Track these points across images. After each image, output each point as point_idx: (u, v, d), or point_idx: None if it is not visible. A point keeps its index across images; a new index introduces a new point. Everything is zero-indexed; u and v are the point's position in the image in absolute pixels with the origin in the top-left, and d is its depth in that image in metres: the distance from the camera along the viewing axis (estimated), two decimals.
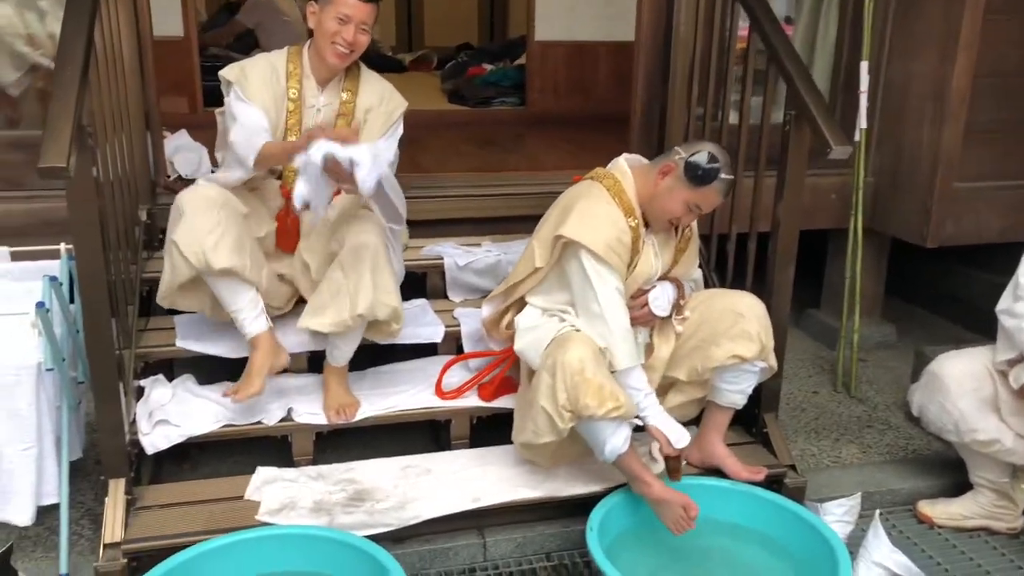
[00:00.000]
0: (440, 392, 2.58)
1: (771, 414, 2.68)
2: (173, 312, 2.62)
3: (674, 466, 2.28)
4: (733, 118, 2.88)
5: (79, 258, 2.08)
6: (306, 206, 2.17)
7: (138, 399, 2.42)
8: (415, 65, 7.57)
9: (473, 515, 2.33)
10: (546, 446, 2.24)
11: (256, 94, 2.36)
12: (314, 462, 2.49)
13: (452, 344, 2.77)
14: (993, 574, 2.40)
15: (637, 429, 2.25)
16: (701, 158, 2.21)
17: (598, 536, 2.10)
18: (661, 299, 2.38)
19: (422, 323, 2.77)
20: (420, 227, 2.93)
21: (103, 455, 2.21)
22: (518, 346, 2.38)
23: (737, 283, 2.79)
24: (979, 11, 3.09)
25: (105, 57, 2.37)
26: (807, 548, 2.19)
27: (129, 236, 2.55)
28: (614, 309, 2.23)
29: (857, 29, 3.26)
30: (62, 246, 2.35)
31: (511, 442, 2.45)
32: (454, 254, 2.96)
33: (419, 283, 2.94)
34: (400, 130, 2.52)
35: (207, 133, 2.59)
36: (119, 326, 2.30)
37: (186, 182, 3.10)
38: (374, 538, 2.10)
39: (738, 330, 2.35)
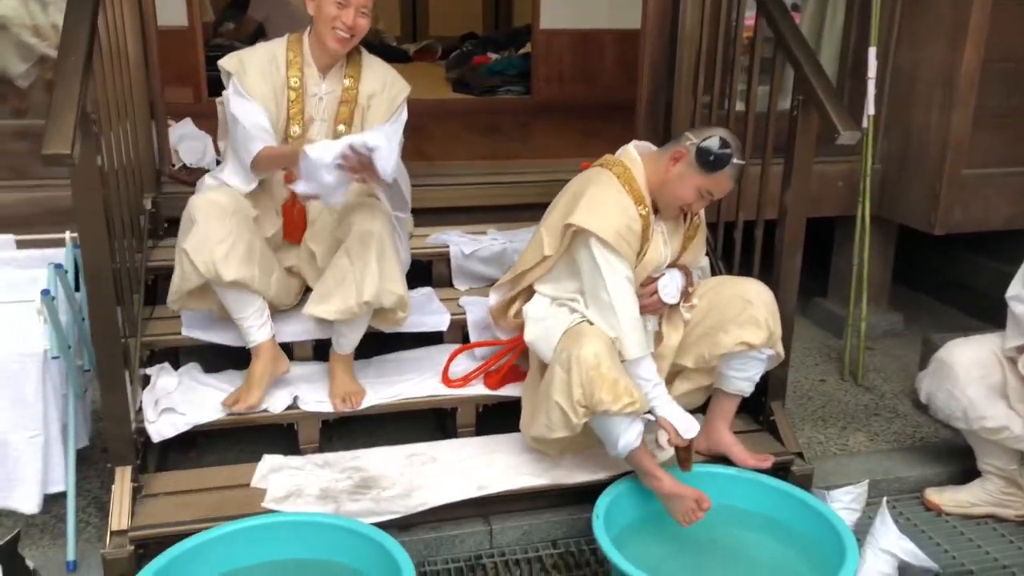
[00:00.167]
0: (447, 380, 2.58)
1: (778, 402, 2.67)
2: None
3: (684, 456, 2.26)
4: (740, 106, 2.86)
5: (84, 246, 2.07)
6: (315, 196, 2.16)
7: (144, 387, 2.43)
8: (420, 55, 7.55)
9: (479, 503, 2.33)
10: (558, 440, 2.24)
11: (255, 87, 2.35)
12: (320, 450, 2.49)
13: (458, 332, 2.77)
14: (1001, 561, 2.40)
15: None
16: (713, 143, 2.20)
17: (604, 524, 2.09)
18: (670, 286, 2.37)
19: (428, 311, 2.76)
20: (425, 215, 2.93)
21: (109, 443, 2.22)
22: (528, 337, 2.36)
23: (744, 271, 2.79)
24: None
25: (109, 45, 2.36)
26: (814, 535, 2.18)
27: (134, 224, 2.55)
28: (624, 298, 2.21)
29: (865, 15, 3.24)
30: (67, 234, 2.35)
31: (517, 430, 2.45)
32: (459, 242, 2.95)
33: (424, 271, 2.94)
34: (404, 115, 2.51)
35: (212, 122, 2.59)
36: (124, 314, 2.30)
37: (191, 171, 3.10)
38: (380, 525, 2.10)
39: (746, 317, 2.34)
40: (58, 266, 2.22)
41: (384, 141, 2.06)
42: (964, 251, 4.02)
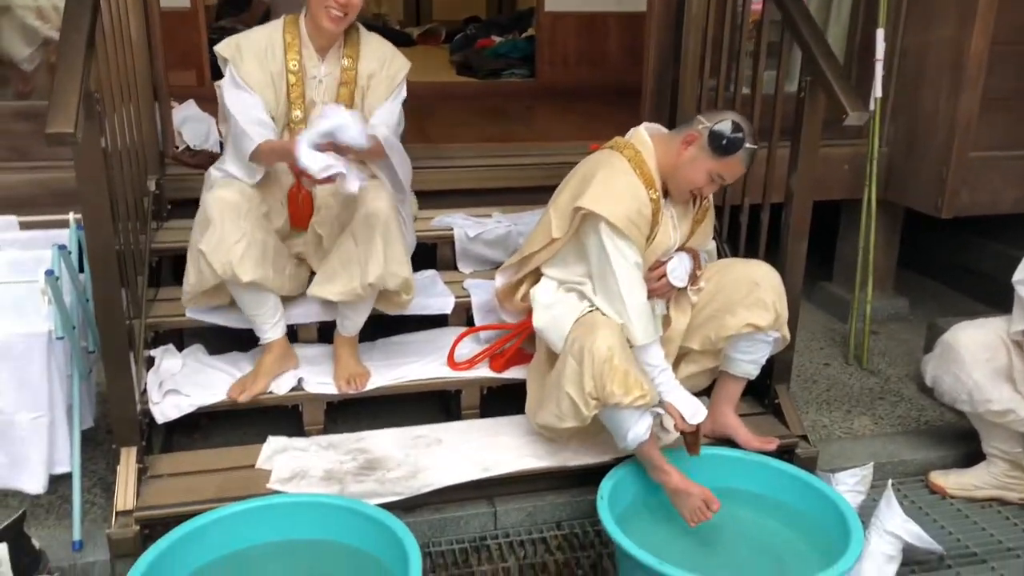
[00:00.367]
0: (452, 363, 2.57)
1: (783, 385, 2.67)
2: (182, 282, 2.61)
3: (692, 440, 2.25)
4: (746, 90, 2.84)
5: (88, 228, 2.07)
6: (329, 179, 2.14)
7: (148, 369, 2.42)
8: (423, 39, 7.53)
9: (483, 484, 2.33)
10: (567, 429, 2.23)
11: (251, 75, 2.33)
12: (325, 432, 2.49)
13: (462, 315, 2.77)
14: (1006, 544, 2.40)
15: None
16: (725, 127, 2.18)
17: (608, 505, 2.10)
18: (679, 270, 2.35)
19: (432, 294, 2.76)
20: (429, 198, 2.92)
21: (114, 424, 2.22)
22: (537, 323, 2.35)
23: (749, 255, 2.76)
24: None
25: (112, 26, 2.35)
26: (819, 517, 2.18)
27: (138, 206, 2.54)
28: (632, 284, 2.20)
29: None
30: (71, 215, 2.34)
31: (522, 412, 2.45)
32: (464, 225, 2.94)
33: (429, 254, 2.93)
34: (403, 93, 2.49)
35: (215, 105, 2.57)
36: (129, 296, 2.30)
37: (194, 152, 3.09)
38: (385, 507, 2.10)
39: (754, 299, 2.33)
40: (62, 247, 2.21)
41: (345, 116, 2.11)
42: (970, 235, 4.00)
